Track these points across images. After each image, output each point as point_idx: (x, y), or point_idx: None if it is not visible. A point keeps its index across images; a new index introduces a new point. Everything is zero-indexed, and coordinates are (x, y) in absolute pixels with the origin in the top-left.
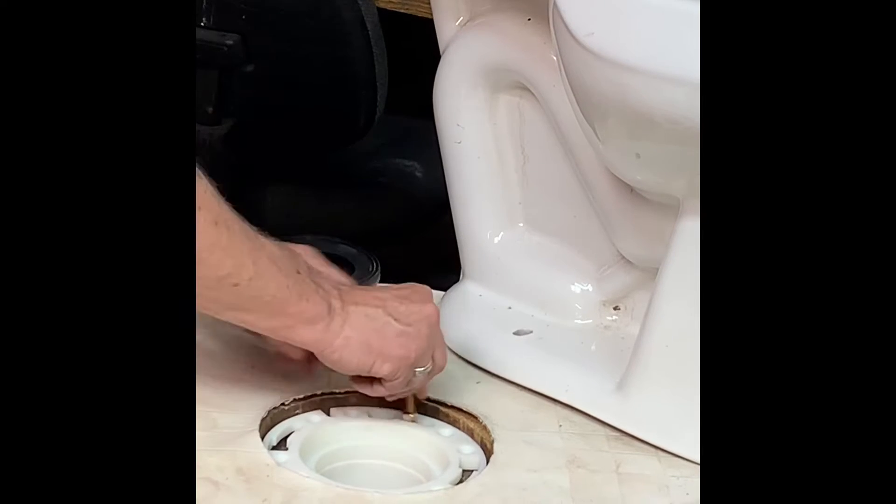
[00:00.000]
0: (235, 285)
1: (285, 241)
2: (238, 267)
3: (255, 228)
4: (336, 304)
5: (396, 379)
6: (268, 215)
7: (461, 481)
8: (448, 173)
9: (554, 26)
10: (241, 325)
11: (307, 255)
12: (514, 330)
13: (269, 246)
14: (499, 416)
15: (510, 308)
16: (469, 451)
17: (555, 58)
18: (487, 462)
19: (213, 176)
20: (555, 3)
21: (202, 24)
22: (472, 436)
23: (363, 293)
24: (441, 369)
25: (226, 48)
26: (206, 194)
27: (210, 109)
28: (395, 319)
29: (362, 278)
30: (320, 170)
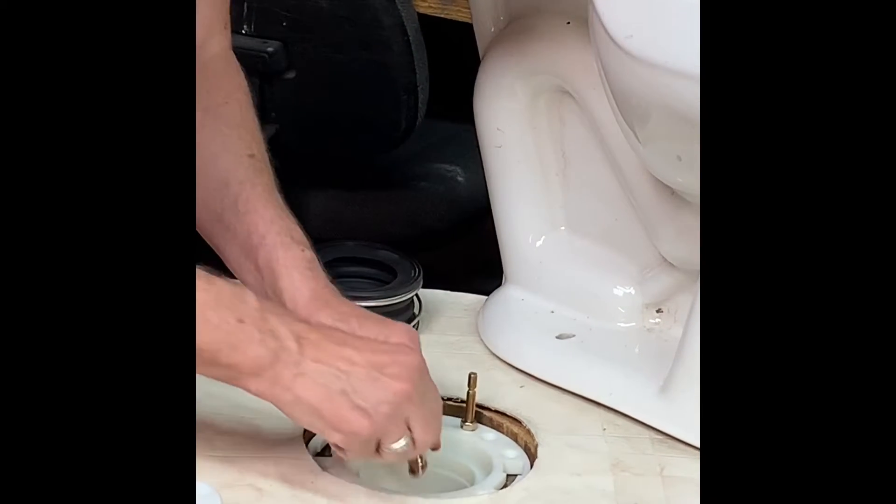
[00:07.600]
0: None
1: (326, 247)
2: None
3: (214, 271)
4: (289, 357)
5: (350, 450)
6: (310, 221)
7: (505, 486)
8: (489, 177)
9: (593, 29)
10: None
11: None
12: (557, 334)
13: (213, 291)
14: (542, 420)
15: (553, 312)
16: (513, 456)
17: (594, 61)
18: (531, 466)
19: None
20: (594, 6)
21: (243, 31)
22: (515, 440)
23: (334, 348)
24: (425, 447)
25: (267, 55)
26: None
27: None
28: (354, 391)
29: (405, 283)
30: (362, 175)
